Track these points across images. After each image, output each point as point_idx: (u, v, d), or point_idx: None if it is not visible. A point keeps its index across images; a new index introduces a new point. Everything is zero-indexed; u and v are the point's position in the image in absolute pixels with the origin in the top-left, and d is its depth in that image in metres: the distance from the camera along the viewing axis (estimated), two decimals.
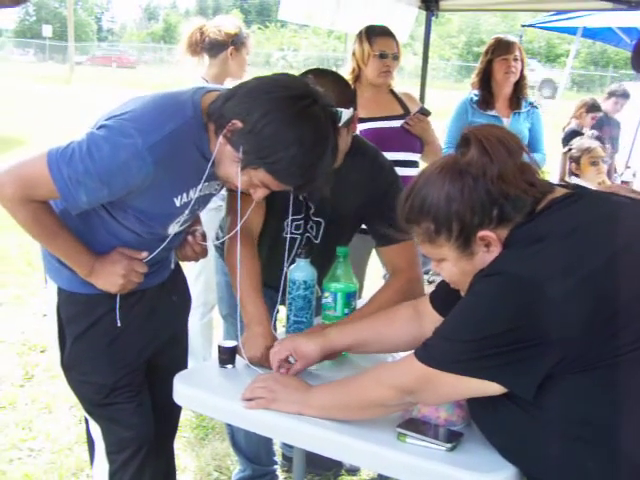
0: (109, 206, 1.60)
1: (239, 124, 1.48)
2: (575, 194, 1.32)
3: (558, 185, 1.36)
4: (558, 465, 1.24)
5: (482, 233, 1.27)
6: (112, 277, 1.63)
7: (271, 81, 1.54)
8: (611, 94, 6.51)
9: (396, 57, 3.04)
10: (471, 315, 1.26)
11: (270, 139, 1.46)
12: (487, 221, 1.26)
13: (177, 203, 1.61)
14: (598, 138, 5.37)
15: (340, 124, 1.74)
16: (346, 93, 1.84)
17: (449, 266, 1.34)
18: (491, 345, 1.21)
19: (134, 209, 1.59)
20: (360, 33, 3.07)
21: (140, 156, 1.45)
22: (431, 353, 1.29)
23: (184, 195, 1.61)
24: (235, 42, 2.98)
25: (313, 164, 1.50)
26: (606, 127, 6.04)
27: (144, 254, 1.67)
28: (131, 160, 1.46)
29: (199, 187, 1.62)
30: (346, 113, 1.79)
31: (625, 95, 6.51)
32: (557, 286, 1.16)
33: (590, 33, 7.67)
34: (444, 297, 1.52)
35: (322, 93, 1.54)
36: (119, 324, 1.71)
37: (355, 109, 1.89)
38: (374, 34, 3.04)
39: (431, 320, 1.52)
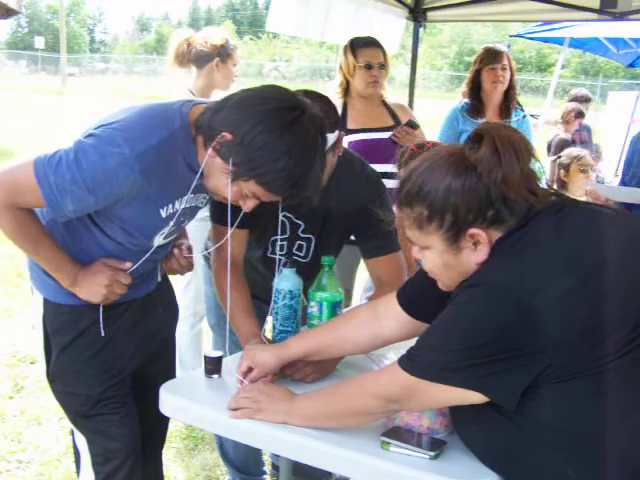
0: (95, 216, 1.61)
1: (229, 136, 1.49)
2: (559, 202, 1.32)
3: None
4: (538, 472, 1.25)
5: (473, 230, 1.27)
6: (95, 287, 1.63)
7: (260, 93, 1.55)
8: (574, 99, 6.63)
9: (383, 67, 3.06)
10: (455, 325, 1.26)
11: (260, 150, 1.47)
12: (480, 219, 1.26)
13: (163, 214, 1.62)
14: (573, 142, 5.49)
15: (326, 149, 1.75)
16: (330, 116, 1.83)
17: (433, 256, 1.33)
18: (474, 355, 1.21)
19: (120, 219, 1.60)
20: (345, 46, 3.10)
21: (127, 164, 1.47)
22: (415, 363, 1.29)
23: (170, 206, 1.62)
24: (221, 53, 2.99)
25: (303, 174, 1.51)
26: (576, 132, 6.17)
27: (128, 265, 1.68)
28: (118, 168, 1.47)
29: (185, 198, 1.63)
30: (331, 137, 1.78)
31: (586, 99, 6.64)
32: (541, 296, 1.17)
33: (577, 43, 7.72)
34: (411, 293, 1.54)
35: (310, 104, 1.56)
36: (103, 334, 1.71)
37: (340, 130, 1.90)
38: (359, 45, 3.06)
39: (391, 317, 1.54)
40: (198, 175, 1.58)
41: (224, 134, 1.49)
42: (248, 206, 1.59)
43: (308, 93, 1.86)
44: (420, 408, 1.39)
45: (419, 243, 1.35)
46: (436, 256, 1.33)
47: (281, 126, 1.48)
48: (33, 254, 1.62)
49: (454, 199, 1.26)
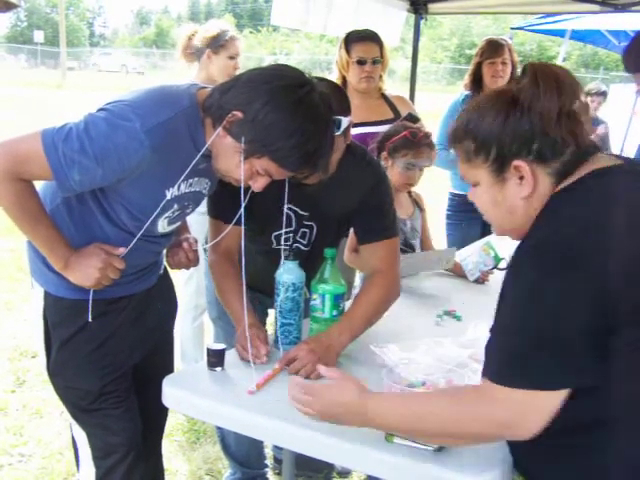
0: (100, 195, 1.59)
1: (239, 114, 1.50)
2: (618, 166, 1.28)
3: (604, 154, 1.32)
4: (545, 462, 1.24)
5: (517, 162, 1.27)
6: (89, 270, 1.60)
7: (268, 71, 1.57)
8: (587, 94, 6.59)
9: (376, 61, 3.05)
10: (538, 318, 1.15)
11: (273, 126, 1.48)
12: (524, 152, 1.27)
13: (168, 195, 1.61)
14: None
15: (339, 132, 1.76)
16: (343, 101, 1.86)
17: (481, 192, 1.34)
18: (576, 345, 1.13)
19: (124, 198, 1.59)
20: (341, 40, 3.10)
21: (138, 138, 1.46)
22: (522, 374, 1.17)
23: (175, 188, 1.61)
24: (211, 45, 3.00)
25: (315, 149, 1.52)
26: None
27: (121, 249, 1.65)
28: (129, 142, 1.46)
29: (189, 180, 1.63)
30: (345, 121, 1.80)
31: (601, 93, 6.60)
32: (606, 265, 1.11)
33: (579, 35, 7.72)
34: None
35: (317, 82, 1.58)
36: (90, 319, 1.67)
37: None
38: (352, 40, 3.06)
39: None
40: (201, 153, 1.57)
41: (234, 113, 1.50)
42: (259, 185, 1.59)
43: (318, 79, 1.87)
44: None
45: (469, 178, 1.36)
46: (484, 192, 1.33)
47: (292, 102, 1.49)
48: (29, 231, 1.59)
49: (498, 131, 1.27)
